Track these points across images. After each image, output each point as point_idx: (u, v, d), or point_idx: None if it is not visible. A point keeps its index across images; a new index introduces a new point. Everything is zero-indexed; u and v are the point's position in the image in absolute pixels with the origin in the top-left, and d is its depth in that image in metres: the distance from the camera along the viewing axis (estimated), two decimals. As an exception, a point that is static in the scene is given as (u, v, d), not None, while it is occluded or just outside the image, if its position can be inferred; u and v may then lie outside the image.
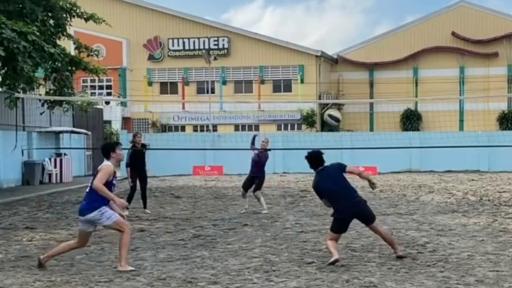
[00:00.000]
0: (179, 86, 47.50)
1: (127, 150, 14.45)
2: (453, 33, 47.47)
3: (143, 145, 15.02)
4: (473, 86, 44.87)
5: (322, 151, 9.10)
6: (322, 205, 16.16)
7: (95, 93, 46.08)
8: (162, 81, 48.10)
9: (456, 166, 30.12)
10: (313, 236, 10.95)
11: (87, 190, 8.30)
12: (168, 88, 48.03)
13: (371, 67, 48.57)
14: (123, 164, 15.39)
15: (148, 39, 47.44)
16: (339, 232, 8.73)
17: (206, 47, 46.03)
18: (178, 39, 47.24)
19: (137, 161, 14.61)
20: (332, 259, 8.36)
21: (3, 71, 19.75)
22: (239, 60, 46.69)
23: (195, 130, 46.03)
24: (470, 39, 47.08)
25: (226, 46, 46.77)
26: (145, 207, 14.76)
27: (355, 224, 12.45)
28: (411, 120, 46.59)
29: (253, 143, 14.90)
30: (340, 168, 8.88)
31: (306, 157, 9.02)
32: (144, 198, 14.82)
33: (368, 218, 8.81)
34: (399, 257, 8.73)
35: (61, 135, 27.74)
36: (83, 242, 8.52)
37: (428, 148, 28.30)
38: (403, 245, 9.92)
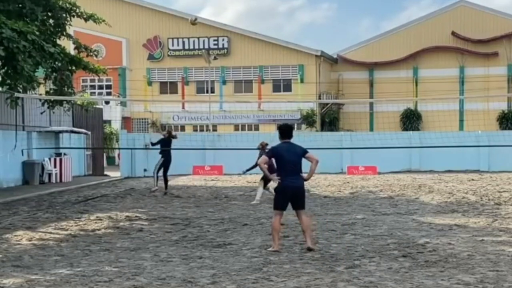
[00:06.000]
0: (179, 85, 47.51)
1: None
2: (453, 33, 47.48)
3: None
4: (473, 86, 44.86)
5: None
6: (322, 205, 16.23)
7: (95, 92, 46.08)
8: (162, 81, 48.10)
9: (456, 166, 30.09)
10: (313, 236, 10.93)
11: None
12: (167, 87, 48.02)
13: (371, 66, 48.57)
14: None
15: (148, 38, 47.44)
16: (279, 208, 9.55)
17: (206, 46, 46.01)
18: (177, 38, 47.24)
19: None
20: (271, 249, 9.45)
21: (3, 70, 19.75)
22: (239, 59, 46.69)
23: (195, 130, 46.02)
24: (470, 39, 47.09)
25: (226, 45, 46.76)
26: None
27: (354, 224, 12.49)
28: (411, 119, 46.59)
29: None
30: (303, 151, 9.64)
31: (280, 127, 9.94)
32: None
33: (299, 204, 9.61)
34: (309, 249, 9.37)
35: (60, 134, 27.68)
36: None
37: (428, 148, 28.26)
38: (403, 245, 9.92)
